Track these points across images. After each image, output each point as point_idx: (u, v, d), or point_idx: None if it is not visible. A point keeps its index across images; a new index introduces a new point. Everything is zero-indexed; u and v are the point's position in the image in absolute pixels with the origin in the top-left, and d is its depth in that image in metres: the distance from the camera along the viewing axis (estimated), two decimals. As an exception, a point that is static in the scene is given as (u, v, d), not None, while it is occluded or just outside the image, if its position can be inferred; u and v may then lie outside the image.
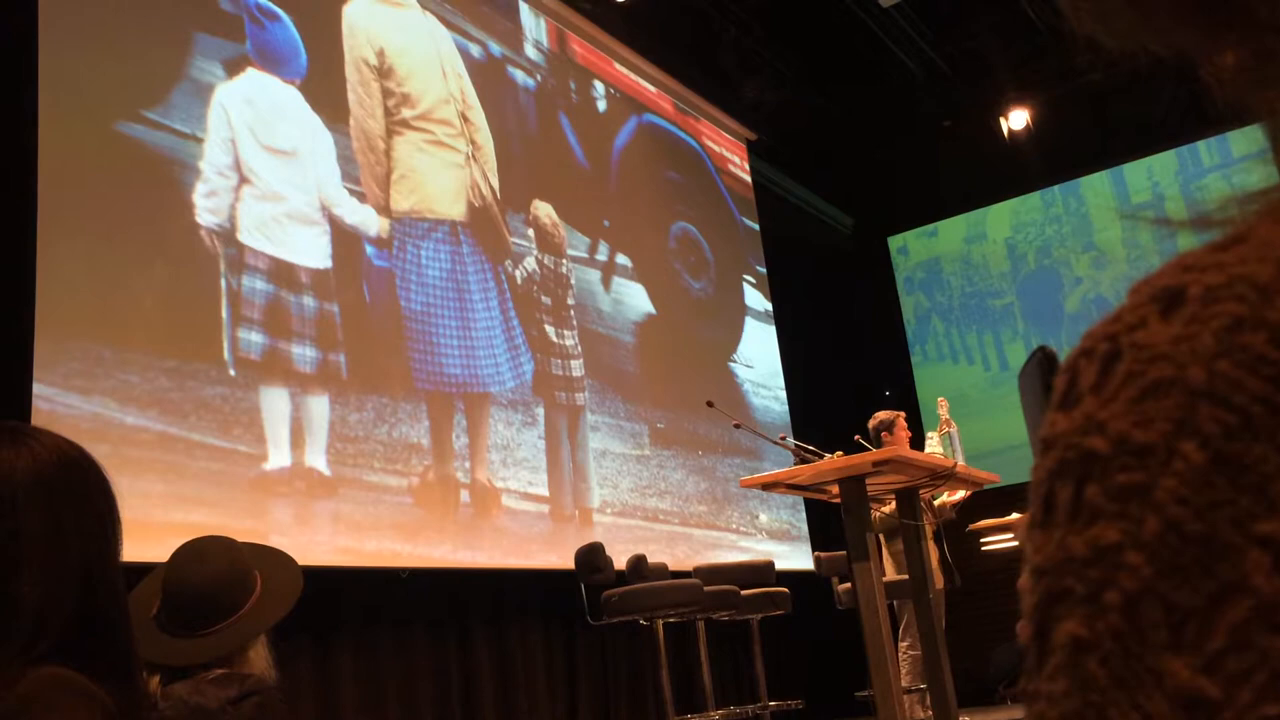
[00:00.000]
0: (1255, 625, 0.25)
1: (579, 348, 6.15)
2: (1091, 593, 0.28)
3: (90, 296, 3.79)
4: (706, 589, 4.67)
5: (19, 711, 1.05)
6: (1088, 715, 0.27)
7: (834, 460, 3.83)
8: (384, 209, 5.10)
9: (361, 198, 4.99)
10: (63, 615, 1.12)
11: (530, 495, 5.48)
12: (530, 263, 5.95)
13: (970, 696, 6.72)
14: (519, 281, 5.82)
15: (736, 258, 8.08)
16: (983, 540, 5.92)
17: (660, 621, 4.68)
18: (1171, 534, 0.27)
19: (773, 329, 8.28)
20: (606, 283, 6.58)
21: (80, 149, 3.89)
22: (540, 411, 5.72)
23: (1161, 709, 0.26)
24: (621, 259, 6.75)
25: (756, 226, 8.46)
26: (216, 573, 1.71)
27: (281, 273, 4.48)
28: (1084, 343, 0.31)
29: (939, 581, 5.05)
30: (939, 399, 5.07)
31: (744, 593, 5.05)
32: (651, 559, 4.87)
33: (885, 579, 4.55)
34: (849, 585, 4.67)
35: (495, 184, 5.81)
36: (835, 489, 3.87)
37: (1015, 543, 5.92)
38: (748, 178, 8.54)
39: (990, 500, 6.04)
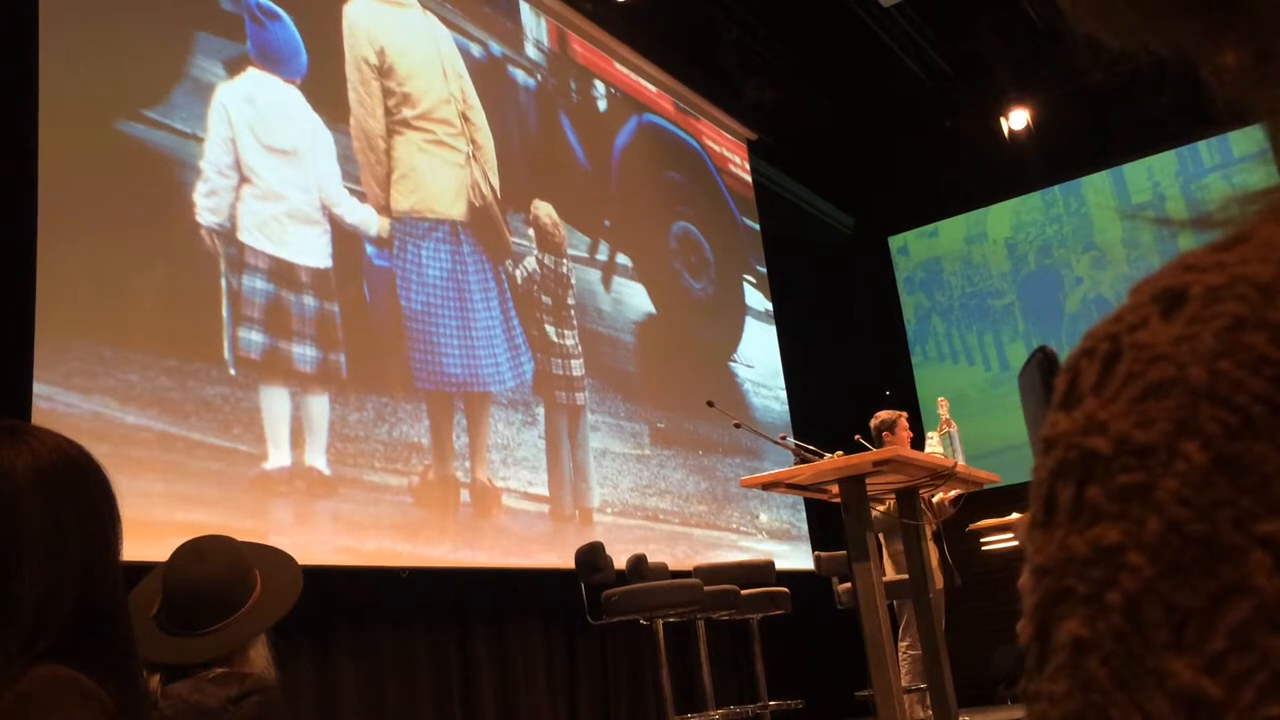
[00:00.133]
0: (1257, 626, 0.25)
1: (579, 347, 6.15)
2: (1093, 593, 0.28)
3: (90, 296, 3.79)
4: (706, 589, 4.67)
5: (19, 711, 1.05)
6: (1089, 715, 0.27)
7: (834, 460, 3.83)
8: (384, 208, 5.10)
9: (362, 197, 4.99)
10: (63, 614, 1.12)
11: (530, 495, 5.48)
12: (530, 262, 5.95)
13: (970, 696, 6.72)
14: (519, 281, 5.82)
15: (737, 257, 8.08)
16: (983, 540, 5.92)
17: (660, 621, 4.68)
18: (1173, 534, 0.27)
19: (773, 329, 8.28)
20: (607, 282, 6.58)
21: (80, 148, 3.89)
22: (540, 411, 5.72)
23: (1163, 709, 0.26)
24: (622, 259, 6.75)
25: (757, 226, 8.46)
26: (216, 572, 1.71)
27: (282, 272, 4.48)
28: (1085, 342, 0.31)
29: (938, 582, 5.05)
30: (939, 399, 5.06)
31: (744, 592, 5.05)
32: (651, 559, 4.87)
33: (885, 579, 4.56)
34: (849, 585, 4.67)
35: (495, 183, 5.81)
36: (835, 489, 3.87)
37: (1015, 543, 5.92)
38: (748, 177, 8.54)
39: (990, 500, 6.04)
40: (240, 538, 1.87)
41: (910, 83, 8.41)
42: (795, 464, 4.11)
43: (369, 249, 4.97)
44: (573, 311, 6.19)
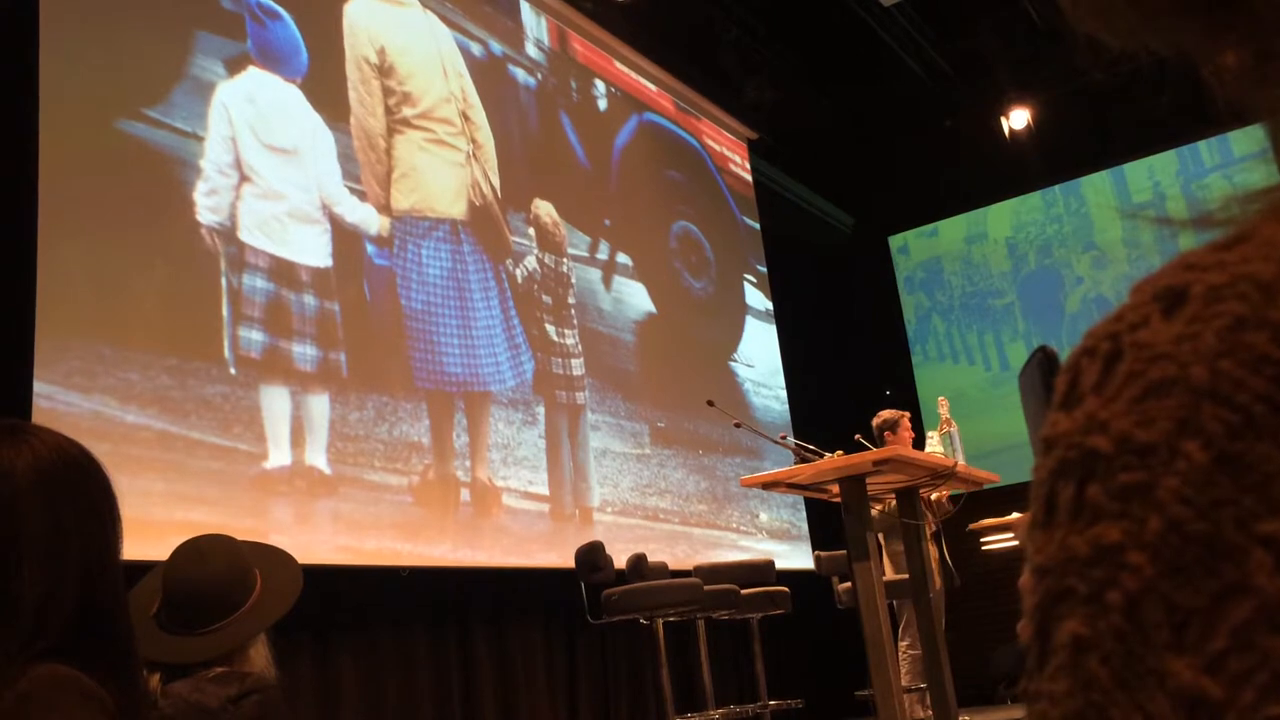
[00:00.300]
0: (1258, 625, 0.25)
1: (579, 347, 6.15)
2: (1094, 592, 0.28)
3: (91, 294, 3.79)
4: (706, 588, 4.67)
5: (19, 710, 1.05)
6: (1089, 715, 0.27)
7: (834, 459, 3.83)
8: (384, 208, 5.10)
9: (362, 196, 4.99)
10: (63, 613, 1.12)
11: (530, 494, 5.48)
12: (531, 261, 5.95)
13: (970, 696, 6.72)
14: (519, 280, 5.82)
15: (737, 257, 8.08)
16: (983, 540, 5.92)
17: (660, 620, 4.68)
18: (1174, 534, 0.27)
19: (773, 328, 8.28)
20: (607, 282, 6.58)
21: (81, 147, 3.89)
22: (540, 410, 5.72)
23: (1163, 709, 0.26)
24: (622, 258, 6.75)
25: (757, 226, 8.46)
26: (216, 571, 1.71)
27: (282, 271, 4.48)
28: (1086, 342, 0.31)
29: (937, 582, 5.05)
30: (939, 398, 5.06)
31: (744, 592, 5.05)
32: (651, 558, 4.87)
33: (885, 579, 4.56)
34: (849, 585, 4.67)
35: (496, 183, 5.81)
36: (835, 488, 3.87)
37: (1015, 542, 5.92)
38: (748, 177, 8.54)
39: (990, 500, 6.04)
40: (240, 537, 1.87)
41: (910, 82, 8.41)
42: (795, 463, 4.11)
43: (369, 248, 4.97)
44: (573, 311, 6.19)
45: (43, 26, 3.83)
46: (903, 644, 5.28)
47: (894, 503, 4.57)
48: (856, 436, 4.92)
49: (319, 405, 4.50)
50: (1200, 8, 0.33)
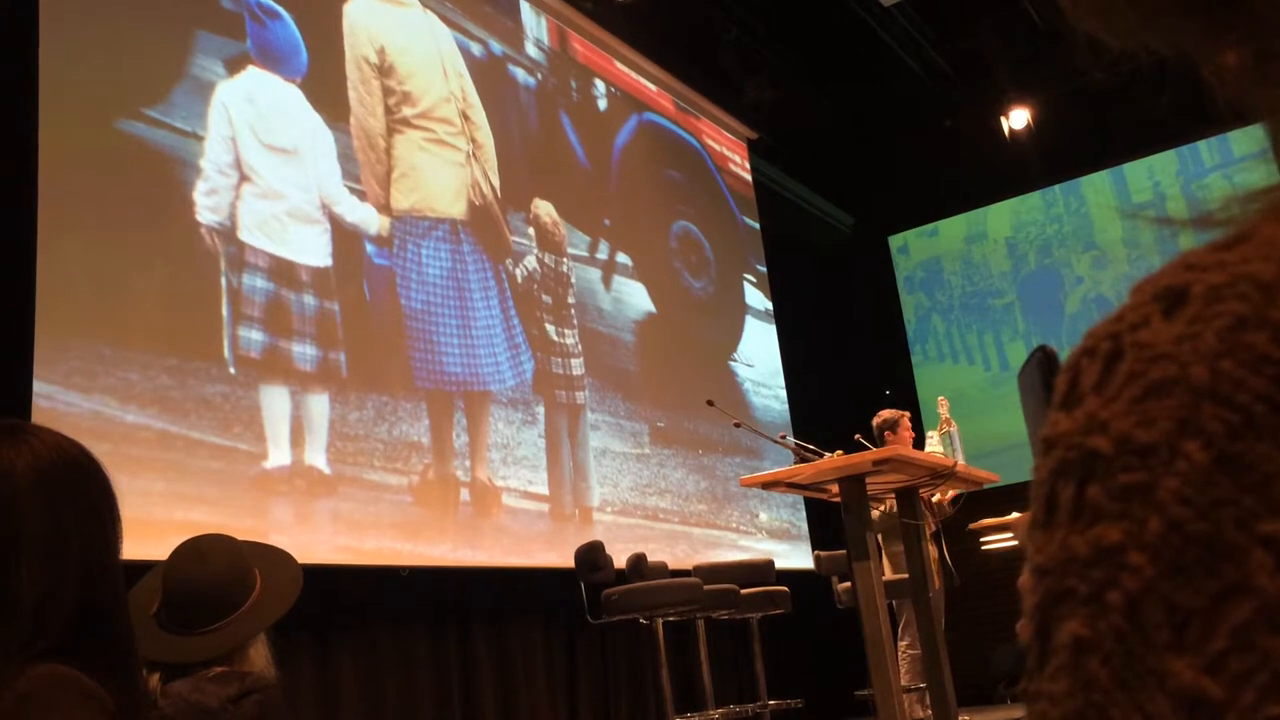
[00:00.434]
0: (1258, 626, 0.25)
1: (579, 346, 6.15)
2: (1094, 593, 0.28)
3: (91, 294, 3.79)
4: (706, 588, 4.67)
5: (18, 710, 1.05)
6: (1089, 715, 0.27)
7: (834, 459, 3.83)
8: (384, 207, 5.10)
9: (362, 196, 4.99)
10: (62, 613, 1.12)
11: (530, 494, 5.48)
12: (530, 261, 5.95)
13: (970, 696, 6.72)
14: (519, 280, 5.82)
15: (737, 257, 8.08)
16: (983, 540, 5.92)
17: (660, 620, 4.68)
18: (1174, 534, 0.27)
19: (773, 328, 8.28)
20: (607, 281, 6.58)
21: (81, 147, 3.89)
22: (540, 410, 5.72)
23: (1164, 709, 0.26)
24: (622, 258, 6.75)
25: (757, 225, 8.46)
26: (216, 571, 1.71)
27: (282, 271, 4.48)
28: (1086, 342, 0.31)
29: (937, 582, 5.05)
30: (939, 398, 5.06)
31: (744, 592, 5.05)
32: (651, 558, 4.87)
33: (884, 579, 4.56)
34: (849, 584, 4.67)
35: (496, 182, 5.81)
36: (835, 488, 3.87)
37: (1015, 542, 5.92)
38: (748, 177, 8.54)
39: (990, 500, 6.04)
40: (240, 537, 1.87)
41: (910, 82, 8.41)
42: (795, 463, 4.11)
43: (369, 248, 4.97)
44: (573, 310, 6.19)
45: (43, 26, 3.83)
46: (902, 644, 5.28)
47: (894, 505, 4.57)
48: (856, 436, 4.91)
49: (319, 405, 4.50)
50: (1200, 8, 0.33)
